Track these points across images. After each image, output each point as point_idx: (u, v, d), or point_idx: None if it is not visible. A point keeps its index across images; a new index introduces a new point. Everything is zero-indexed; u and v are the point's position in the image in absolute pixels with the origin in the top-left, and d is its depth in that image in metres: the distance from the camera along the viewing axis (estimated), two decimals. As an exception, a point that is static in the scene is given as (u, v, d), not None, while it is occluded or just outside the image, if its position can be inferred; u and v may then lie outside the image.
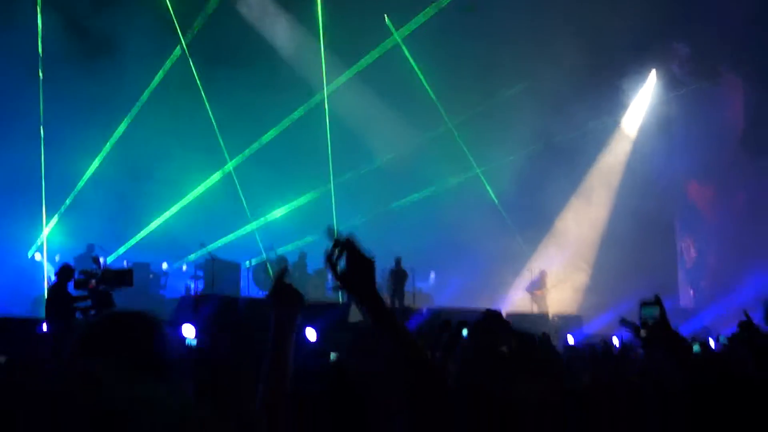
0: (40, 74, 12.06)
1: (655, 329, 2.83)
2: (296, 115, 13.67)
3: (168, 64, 13.16)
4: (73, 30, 12.16)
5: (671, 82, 14.53)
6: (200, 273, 11.74)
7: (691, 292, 14.74)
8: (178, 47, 13.04)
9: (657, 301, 2.82)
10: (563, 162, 14.45)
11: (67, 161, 12.42)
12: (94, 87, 11.58)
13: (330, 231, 1.59)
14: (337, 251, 1.58)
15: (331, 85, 13.94)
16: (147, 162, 12.41)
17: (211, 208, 13.20)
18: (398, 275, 11.39)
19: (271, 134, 13.47)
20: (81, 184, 12.79)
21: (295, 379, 1.70)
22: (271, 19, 13.60)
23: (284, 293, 1.64)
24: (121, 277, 7.15)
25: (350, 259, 1.58)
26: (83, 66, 11.61)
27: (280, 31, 13.67)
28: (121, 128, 12.89)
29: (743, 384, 2.43)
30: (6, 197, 11.56)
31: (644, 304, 2.86)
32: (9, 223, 11.80)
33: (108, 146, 12.89)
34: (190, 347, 6.68)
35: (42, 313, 7.92)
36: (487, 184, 14.81)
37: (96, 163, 12.81)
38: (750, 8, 12.54)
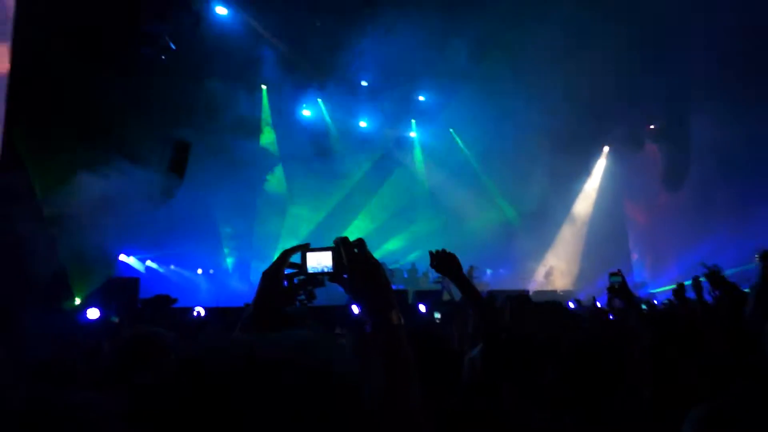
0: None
1: (619, 289, 4.16)
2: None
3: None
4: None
5: (617, 151, 24.59)
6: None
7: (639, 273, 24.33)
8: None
9: (619, 273, 4.21)
10: (562, 200, 24.09)
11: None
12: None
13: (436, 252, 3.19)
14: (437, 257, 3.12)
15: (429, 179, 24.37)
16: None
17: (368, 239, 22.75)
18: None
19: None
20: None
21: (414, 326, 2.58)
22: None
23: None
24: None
25: (441, 258, 3.07)
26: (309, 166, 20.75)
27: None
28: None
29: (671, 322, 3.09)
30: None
31: (611, 274, 4.24)
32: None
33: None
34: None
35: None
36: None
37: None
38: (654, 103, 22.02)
